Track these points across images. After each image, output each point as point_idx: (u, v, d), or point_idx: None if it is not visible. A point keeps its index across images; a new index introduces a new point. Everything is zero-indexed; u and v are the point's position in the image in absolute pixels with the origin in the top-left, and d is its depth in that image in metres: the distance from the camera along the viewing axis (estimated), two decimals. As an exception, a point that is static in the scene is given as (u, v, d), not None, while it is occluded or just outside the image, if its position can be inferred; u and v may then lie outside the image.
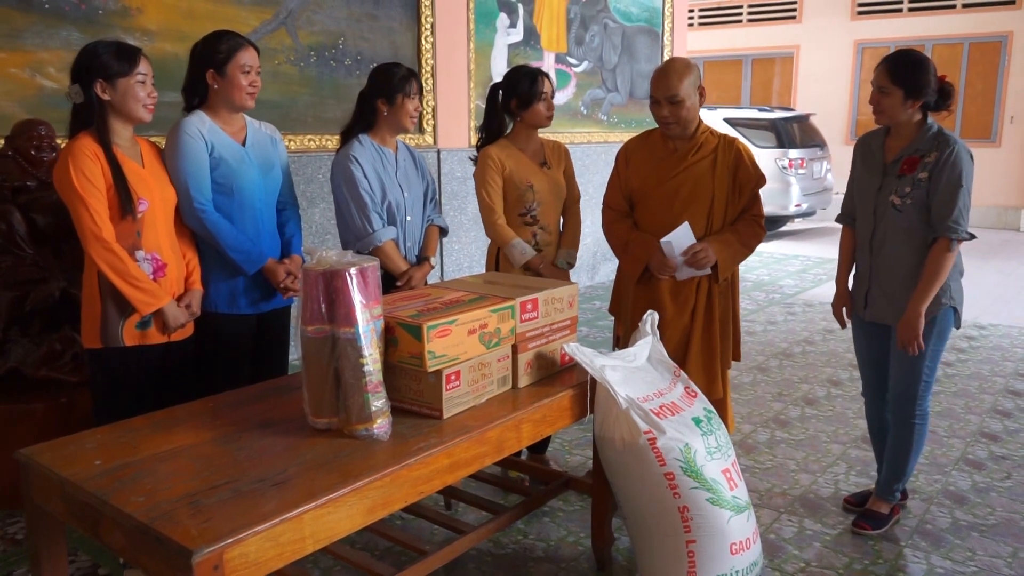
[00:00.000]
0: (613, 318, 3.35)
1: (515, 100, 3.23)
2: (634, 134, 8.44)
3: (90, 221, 2.41)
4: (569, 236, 3.39)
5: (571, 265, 3.37)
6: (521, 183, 3.22)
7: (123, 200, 2.46)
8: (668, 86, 2.90)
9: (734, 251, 3.02)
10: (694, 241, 2.96)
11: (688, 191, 3.00)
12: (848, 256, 3.13)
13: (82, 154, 2.41)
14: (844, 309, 3.14)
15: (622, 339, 3.06)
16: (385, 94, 3.05)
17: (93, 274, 2.52)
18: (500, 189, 3.23)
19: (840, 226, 3.17)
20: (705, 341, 3.07)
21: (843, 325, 3.17)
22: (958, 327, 2.95)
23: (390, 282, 3.03)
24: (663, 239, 2.95)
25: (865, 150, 3.00)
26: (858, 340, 3.14)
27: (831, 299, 3.23)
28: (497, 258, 3.31)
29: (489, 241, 3.35)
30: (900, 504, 3.12)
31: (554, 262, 3.32)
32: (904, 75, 2.74)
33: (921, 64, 2.75)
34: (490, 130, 3.33)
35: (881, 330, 3.00)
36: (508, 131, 3.34)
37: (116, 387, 2.59)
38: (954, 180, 2.70)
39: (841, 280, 3.15)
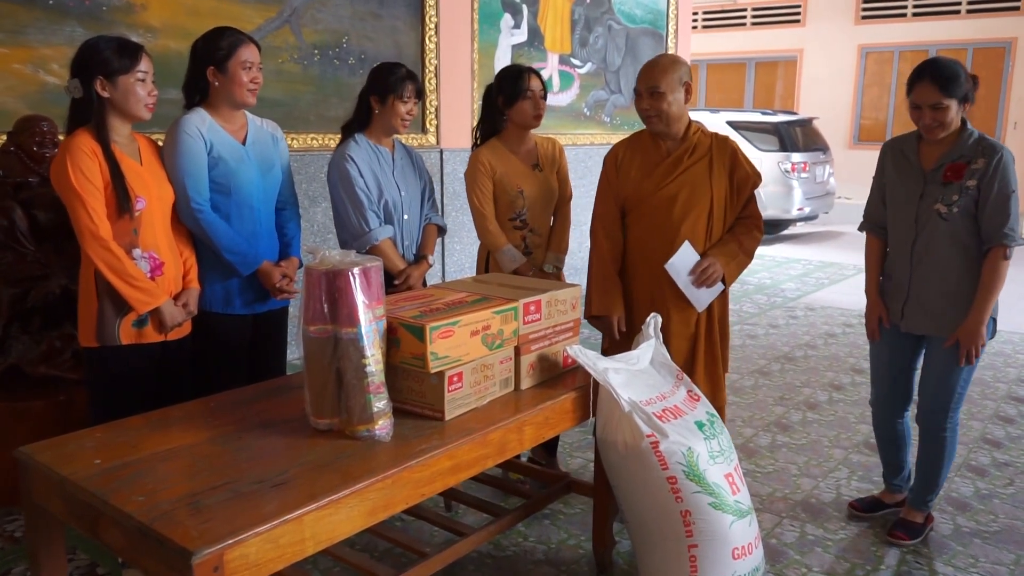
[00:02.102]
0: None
1: (501, 97, 3.21)
2: (637, 136, 8.31)
3: (87, 219, 2.40)
4: (556, 239, 3.36)
5: (559, 269, 3.35)
6: (511, 188, 3.20)
7: (121, 198, 2.44)
8: (650, 77, 2.85)
9: (739, 261, 2.96)
10: (698, 258, 2.89)
11: (687, 196, 2.89)
12: (877, 265, 3.04)
13: (80, 151, 2.40)
14: (880, 319, 3.01)
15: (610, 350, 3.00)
16: (378, 92, 3.05)
17: (90, 272, 2.50)
18: (490, 194, 3.21)
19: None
20: (708, 348, 3.01)
21: (877, 337, 3.04)
22: (992, 336, 2.89)
23: (388, 281, 3.02)
24: (667, 263, 2.87)
25: (898, 156, 2.93)
26: (882, 349, 3.05)
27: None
28: (487, 261, 3.29)
29: (479, 244, 3.33)
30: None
31: (541, 267, 3.30)
32: (954, 86, 2.70)
33: (960, 70, 2.73)
34: (484, 130, 3.31)
35: (912, 341, 2.96)
36: (501, 132, 3.30)
37: (113, 386, 2.58)
38: (1005, 188, 2.69)
39: (871, 290, 3.04)
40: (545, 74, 6.66)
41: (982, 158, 2.72)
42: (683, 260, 2.88)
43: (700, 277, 2.87)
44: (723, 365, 3.08)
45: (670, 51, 8.20)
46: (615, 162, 3.03)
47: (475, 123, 6.08)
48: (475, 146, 3.31)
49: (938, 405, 2.90)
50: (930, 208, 2.80)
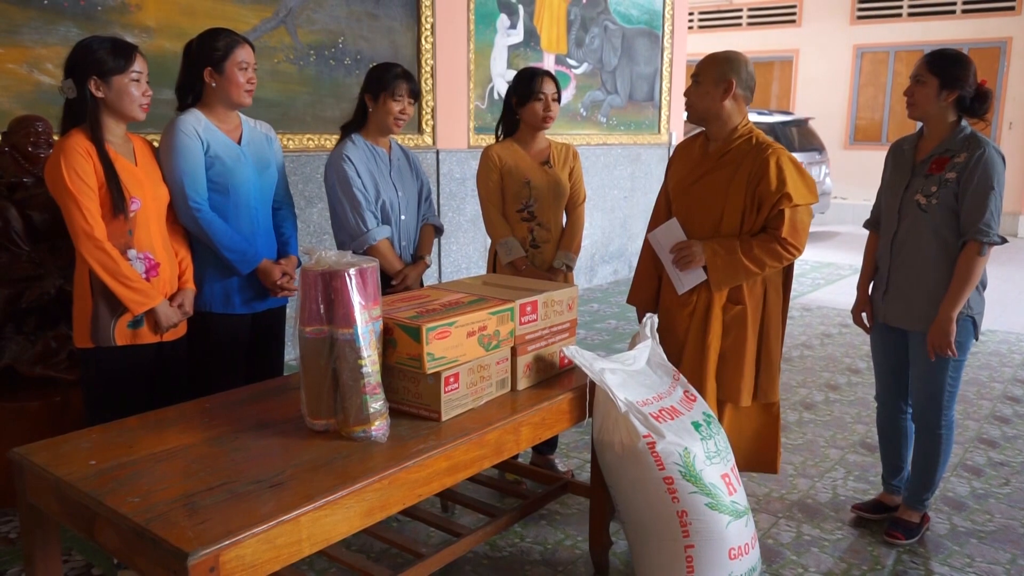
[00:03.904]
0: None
1: (515, 98, 3.25)
2: (633, 137, 8.37)
3: (82, 220, 2.39)
4: (568, 238, 3.39)
5: (569, 268, 3.36)
6: (518, 179, 3.25)
7: (115, 199, 2.43)
8: (699, 64, 2.85)
9: (732, 261, 2.75)
10: (682, 237, 2.84)
11: (700, 201, 2.84)
12: (871, 261, 3.08)
13: (74, 151, 2.39)
14: (865, 314, 3.08)
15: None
16: (371, 91, 3.07)
17: (84, 273, 2.49)
18: (497, 186, 3.26)
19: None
20: (691, 374, 2.85)
21: (867, 330, 3.11)
22: (976, 338, 2.88)
23: (385, 281, 3.02)
24: (650, 233, 2.93)
25: (897, 152, 2.97)
26: (875, 344, 3.10)
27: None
28: (496, 256, 3.32)
29: (490, 241, 3.37)
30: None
31: (551, 263, 3.32)
32: (941, 66, 2.73)
33: (960, 59, 2.75)
34: (505, 130, 3.38)
35: (899, 336, 2.97)
36: (516, 131, 3.37)
37: (108, 387, 2.57)
38: (985, 182, 2.67)
39: (862, 286, 3.11)
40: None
41: (965, 152, 2.73)
42: (667, 235, 2.88)
43: (676, 255, 2.83)
44: (729, 395, 2.90)
45: (666, 51, 8.20)
46: (674, 156, 3.08)
47: (472, 124, 6.19)
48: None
49: (929, 402, 2.90)
50: (911, 199, 2.82)
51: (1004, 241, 2.74)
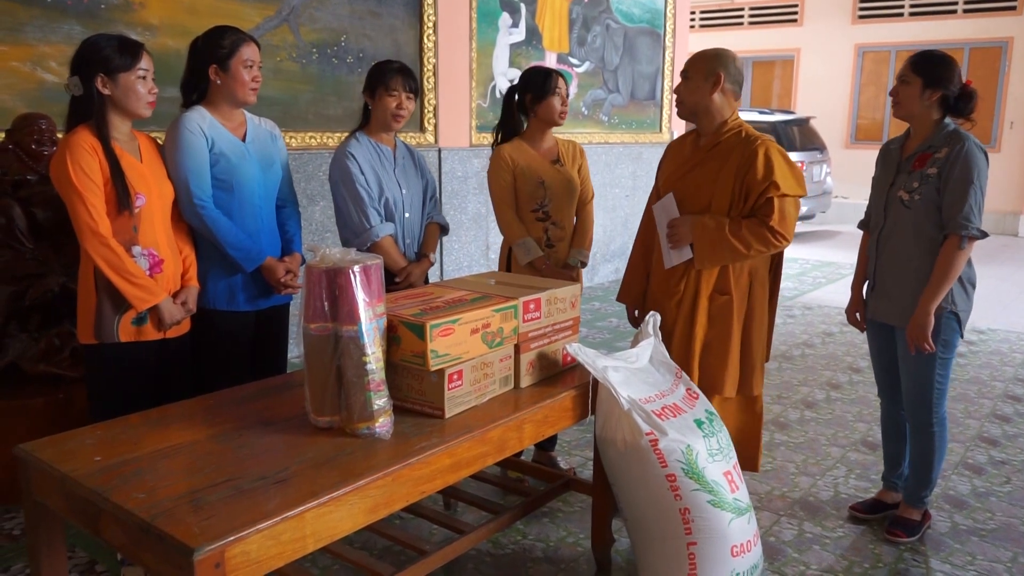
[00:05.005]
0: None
1: (530, 95, 3.25)
2: (635, 135, 8.35)
3: (87, 216, 2.39)
4: (580, 236, 3.40)
5: (584, 264, 3.38)
6: (532, 179, 3.24)
7: (120, 195, 2.44)
8: (688, 60, 2.87)
9: (717, 240, 2.75)
10: (676, 214, 2.88)
11: (689, 194, 2.87)
12: (864, 261, 3.11)
13: (80, 148, 2.39)
14: (858, 314, 3.11)
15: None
16: (370, 88, 3.08)
17: (89, 269, 2.50)
18: (511, 187, 3.25)
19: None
20: (678, 364, 2.81)
21: (860, 329, 3.15)
22: (962, 335, 2.88)
23: (389, 278, 3.02)
24: (655, 204, 2.99)
25: (886, 151, 3.00)
26: (871, 341, 3.13)
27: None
28: (509, 256, 3.32)
29: (502, 239, 3.36)
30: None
31: (566, 261, 3.33)
32: (925, 66, 2.77)
33: (944, 60, 2.77)
34: (505, 130, 3.35)
35: (888, 332, 2.99)
36: (523, 131, 3.35)
37: (111, 384, 2.58)
38: (965, 176, 2.68)
39: (856, 285, 3.14)
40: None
41: (946, 147, 2.74)
42: (665, 209, 2.91)
43: (669, 233, 2.88)
44: (712, 386, 2.90)
45: (667, 50, 8.20)
46: (665, 154, 3.10)
47: (474, 123, 6.19)
48: (494, 146, 3.35)
49: (919, 399, 2.90)
50: (895, 196, 2.85)
51: (984, 235, 2.73)
